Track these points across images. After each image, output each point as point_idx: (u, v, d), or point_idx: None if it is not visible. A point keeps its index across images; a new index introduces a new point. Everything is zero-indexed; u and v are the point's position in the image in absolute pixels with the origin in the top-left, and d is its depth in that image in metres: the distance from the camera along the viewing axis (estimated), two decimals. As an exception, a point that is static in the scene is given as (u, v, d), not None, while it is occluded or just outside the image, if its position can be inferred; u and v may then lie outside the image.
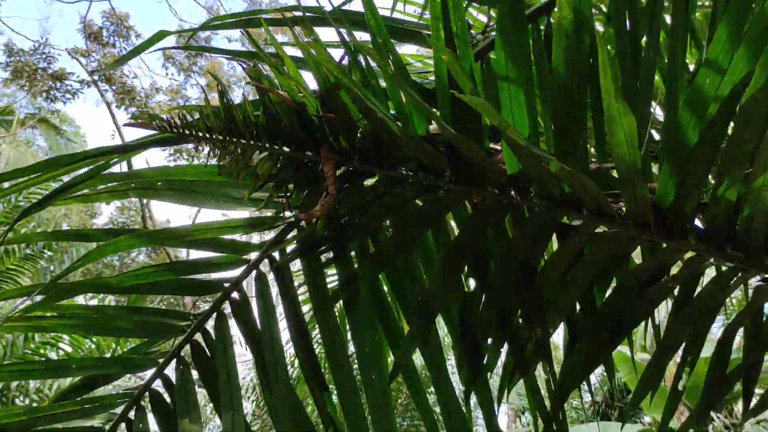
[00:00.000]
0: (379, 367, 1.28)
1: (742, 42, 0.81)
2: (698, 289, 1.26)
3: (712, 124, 0.89)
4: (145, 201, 15.42)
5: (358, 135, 1.08)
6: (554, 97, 0.91)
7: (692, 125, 0.96)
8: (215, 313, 1.36)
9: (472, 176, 1.11)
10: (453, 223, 1.39)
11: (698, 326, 1.22)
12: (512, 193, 1.11)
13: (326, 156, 1.15)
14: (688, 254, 1.15)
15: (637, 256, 1.32)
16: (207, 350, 1.38)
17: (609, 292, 1.35)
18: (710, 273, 1.30)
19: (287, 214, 1.35)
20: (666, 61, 1.23)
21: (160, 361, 1.39)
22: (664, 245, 1.23)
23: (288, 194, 1.31)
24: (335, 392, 1.30)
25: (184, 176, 1.38)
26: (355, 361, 1.31)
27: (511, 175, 1.09)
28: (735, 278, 1.11)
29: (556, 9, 1.11)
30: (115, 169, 1.36)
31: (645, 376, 1.29)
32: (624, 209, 1.07)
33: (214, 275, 1.43)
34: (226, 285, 1.38)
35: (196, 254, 1.61)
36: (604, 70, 0.71)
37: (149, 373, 1.40)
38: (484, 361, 1.30)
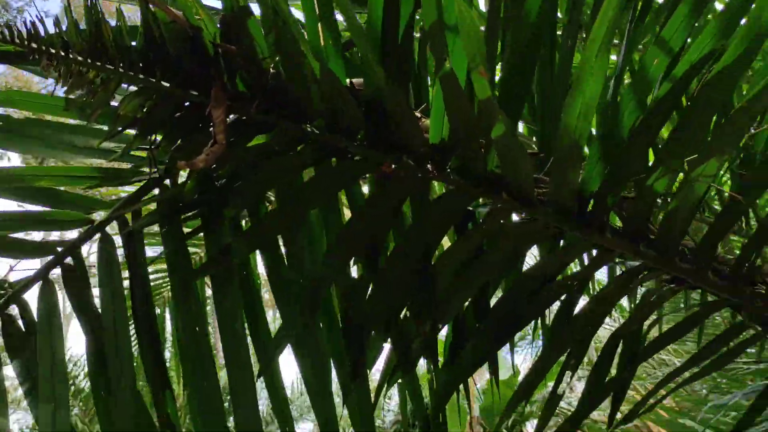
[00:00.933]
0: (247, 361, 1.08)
1: (714, 17, 0.77)
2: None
3: (659, 105, 0.84)
4: None
5: (271, 72, 0.90)
6: (514, 48, 0.80)
7: (629, 110, 0.91)
8: (40, 281, 1.07)
9: (389, 142, 0.98)
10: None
11: (588, 329, 1.18)
12: (429, 166, 1.00)
13: (218, 97, 0.95)
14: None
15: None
16: (24, 328, 1.07)
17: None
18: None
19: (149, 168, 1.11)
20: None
21: (-44, 340, 1.06)
22: (562, 243, 1.19)
23: (154, 145, 1.08)
24: (189, 389, 1.07)
25: (12, 106, 1.09)
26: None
27: (433, 145, 0.98)
28: (636, 279, 1.09)
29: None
30: None
31: (523, 385, 1.23)
32: (545, 195, 1.00)
33: (44, 235, 1.13)
34: (59, 249, 1.09)
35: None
36: (606, 11, 0.62)
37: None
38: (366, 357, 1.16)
